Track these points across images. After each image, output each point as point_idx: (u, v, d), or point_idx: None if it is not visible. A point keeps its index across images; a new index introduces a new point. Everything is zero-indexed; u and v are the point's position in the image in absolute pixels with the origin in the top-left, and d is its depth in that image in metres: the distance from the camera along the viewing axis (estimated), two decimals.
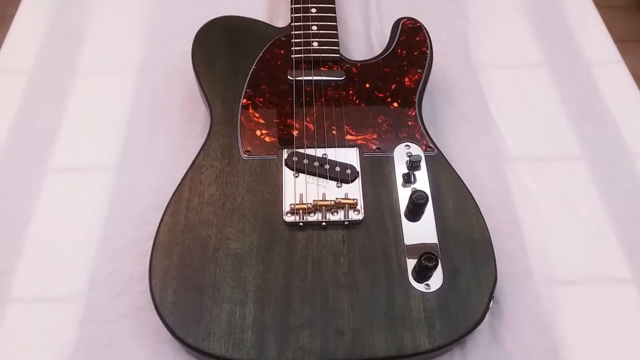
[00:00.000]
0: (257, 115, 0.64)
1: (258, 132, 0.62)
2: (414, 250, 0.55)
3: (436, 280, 0.54)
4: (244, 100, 0.65)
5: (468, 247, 0.55)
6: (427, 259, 0.53)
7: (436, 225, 0.57)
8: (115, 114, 0.73)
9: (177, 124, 0.72)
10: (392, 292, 0.53)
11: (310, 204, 0.56)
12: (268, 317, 0.51)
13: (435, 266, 0.53)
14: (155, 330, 0.55)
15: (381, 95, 0.66)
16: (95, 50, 0.80)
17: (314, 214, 0.56)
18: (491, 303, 0.53)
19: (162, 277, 0.53)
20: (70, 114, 0.73)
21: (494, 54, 0.81)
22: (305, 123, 0.63)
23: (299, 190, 0.58)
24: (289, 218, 0.56)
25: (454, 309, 0.52)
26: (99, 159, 0.69)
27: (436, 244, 0.56)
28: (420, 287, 0.53)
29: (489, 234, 0.57)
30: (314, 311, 0.51)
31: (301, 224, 0.56)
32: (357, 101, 0.65)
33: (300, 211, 0.56)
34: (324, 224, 0.56)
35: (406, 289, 0.53)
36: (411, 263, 0.54)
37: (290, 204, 0.56)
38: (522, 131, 0.72)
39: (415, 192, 0.57)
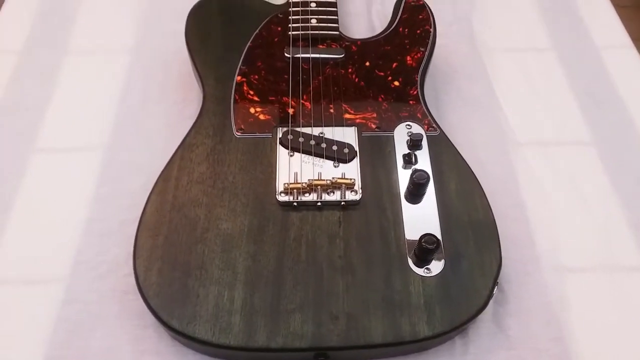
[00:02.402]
0: (251, 92, 0.61)
1: (252, 110, 0.60)
2: (414, 232, 0.52)
3: (437, 264, 0.51)
4: (238, 78, 0.62)
5: (471, 229, 0.53)
6: (427, 241, 0.50)
7: (438, 207, 0.54)
8: (106, 94, 0.70)
9: (170, 104, 0.69)
10: (390, 276, 0.50)
11: (305, 183, 0.54)
12: (258, 301, 0.48)
13: (437, 249, 0.50)
14: (139, 314, 0.52)
15: (382, 73, 0.63)
16: (87, 29, 0.78)
17: (309, 194, 0.54)
18: (495, 289, 0.50)
19: (147, 257, 0.50)
20: (60, 94, 0.71)
21: (500, 37, 0.79)
22: (301, 101, 0.60)
23: (293, 169, 0.55)
24: (283, 198, 0.53)
25: (455, 294, 0.49)
26: (88, 138, 0.67)
27: (438, 226, 0.53)
28: (420, 271, 0.50)
29: (493, 216, 0.54)
30: (307, 295, 0.49)
31: (295, 204, 0.53)
32: (357, 79, 0.63)
33: (295, 191, 0.53)
34: (319, 204, 0.53)
35: (405, 273, 0.50)
36: (411, 246, 0.51)
37: (284, 184, 0.54)
38: (529, 116, 0.70)
39: (416, 171, 0.54)
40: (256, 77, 0.62)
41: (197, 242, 0.51)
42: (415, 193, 0.54)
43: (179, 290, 0.49)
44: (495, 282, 0.50)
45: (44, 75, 0.72)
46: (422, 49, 0.65)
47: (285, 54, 0.64)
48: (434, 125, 0.59)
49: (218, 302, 0.48)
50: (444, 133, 0.59)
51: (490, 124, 0.69)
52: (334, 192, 0.54)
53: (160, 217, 0.53)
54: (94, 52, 0.75)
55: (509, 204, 0.61)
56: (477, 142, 0.66)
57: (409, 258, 0.51)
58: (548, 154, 0.67)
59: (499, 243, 0.52)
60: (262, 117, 0.59)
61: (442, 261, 0.51)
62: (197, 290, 0.49)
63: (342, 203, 0.53)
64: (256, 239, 0.51)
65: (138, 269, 0.50)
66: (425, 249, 0.50)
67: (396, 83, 0.63)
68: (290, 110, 0.60)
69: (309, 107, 0.60)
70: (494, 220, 0.54)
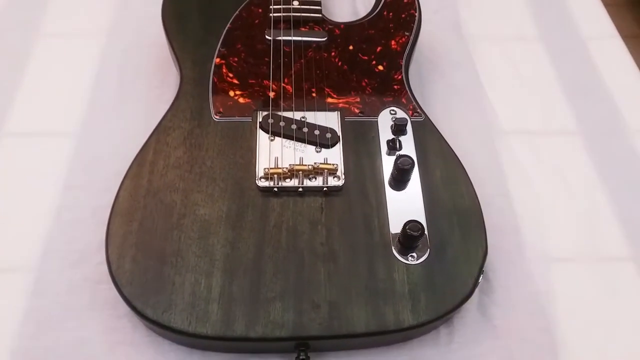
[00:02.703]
0: (230, 75, 0.59)
1: (231, 93, 0.58)
2: (398, 219, 0.50)
3: (421, 251, 0.49)
4: (217, 60, 0.60)
5: (456, 216, 0.51)
6: (412, 228, 0.48)
7: (422, 194, 0.53)
8: (80, 77, 0.68)
9: (147, 89, 0.67)
10: (373, 263, 0.48)
11: (286, 168, 0.52)
12: (237, 289, 0.46)
13: (421, 236, 0.48)
14: (112, 304, 0.50)
15: (365, 57, 0.62)
16: (61, 11, 0.75)
17: (290, 179, 0.52)
18: (481, 278, 0.49)
19: (120, 244, 0.48)
20: (31, 77, 0.68)
21: (486, 25, 0.78)
22: (282, 84, 0.58)
23: (274, 154, 0.53)
24: (263, 183, 0.52)
25: (440, 282, 0.48)
26: (61, 123, 0.64)
27: (422, 213, 0.51)
28: (404, 258, 0.49)
29: (479, 203, 0.52)
30: (287, 283, 0.47)
31: (275, 189, 0.51)
32: (340, 63, 0.61)
33: (275, 176, 0.52)
34: (300, 190, 0.52)
35: (389, 260, 0.49)
36: (395, 233, 0.50)
37: (265, 169, 0.52)
38: (514, 105, 0.69)
39: (400, 157, 0.52)
40: (236, 59, 0.60)
41: (173, 228, 0.49)
42: (400, 179, 0.53)
43: (154, 278, 0.47)
44: (481, 271, 0.49)
45: (15, 57, 0.69)
46: (407, 34, 0.63)
47: (266, 37, 0.62)
48: (419, 110, 0.58)
49: (195, 290, 0.46)
50: (429, 119, 0.58)
51: (475, 113, 0.68)
52: (315, 178, 0.52)
53: (134, 202, 0.50)
54: (68, 34, 0.73)
55: (494, 193, 0.60)
56: (462, 130, 0.65)
57: (392, 245, 0.49)
58: (534, 143, 0.66)
59: (485, 230, 0.51)
60: (241, 100, 0.57)
61: (427, 249, 0.49)
62: (173, 278, 0.47)
63: (325, 189, 0.52)
64: (235, 225, 0.49)
65: (111, 256, 0.48)
66: (409, 236, 0.48)
67: (380, 67, 0.61)
68: (271, 94, 0.58)
69: (291, 90, 0.58)
70: (480, 207, 0.52)
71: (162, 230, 0.49)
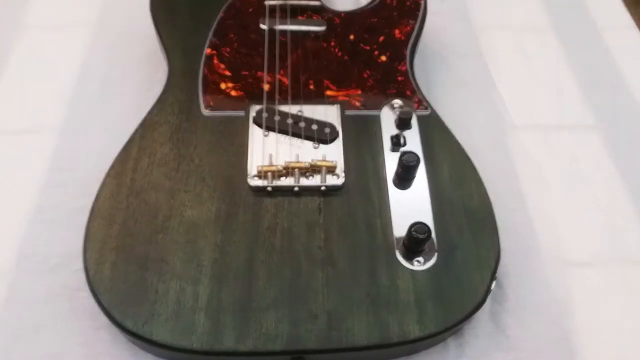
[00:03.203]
0: (222, 66, 0.56)
1: (223, 86, 0.55)
2: (402, 221, 0.47)
3: (428, 256, 0.45)
4: (208, 50, 0.57)
5: (466, 217, 0.47)
6: (418, 231, 0.44)
7: (429, 193, 0.49)
8: (64, 71, 0.64)
9: (135, 84, 0.63)
10: (376, 269, 0.44)
11: (281, 166, 0.49)
12: (226, 297, 0.43)
13: (428, 239, 0.45)
14: (91, 314, 0.46)
15: (367, 47, 0.58)
16: (45, 1, 0.71)
17: (285, 177, 0.48)
18: (493, 284, 0.45)
19: (99, 248, 0.45)
20: (11, 71, 0.65)
21: (495, 15, 0.74)
22: (278, 76, 0.55)
23: (268, 150, 0.50)
24: (255, 182, 0.48)
25: (449, 290, 0.44)
26: (40, 119, 0.60)
27: (429, 214, 0.48)
28: (409, 264, 0.45)
29: (490, 203, 0.48)
30: (282, 290, 0.43)
31: (269, 188, 0.48)
32: (340, 54, 0.58)
33: (269, 174, 0.48)
34: (296, 189, 0.48)
35: (393, 265, 0.45)
36: (399, 236, 0.46)
37: (258, 166, 0.49)
38: (526, 98, 0.65)
39: (405, 153, 0.49)
40: (228, 49, 0.57)
41: (157, 231, 0.45)
42: (404, 177, 0.49)
43: (135, 285, 0.43)
44: (493, 277, 0.45)
45: None
46: (411, 22, 0.60)
47: (261, 26, 0.59)
48: (424, 103, 0.54)
49: (180, 298, 0.42)
50: (435, 112, 0.54)
51: (484, 107, 0.64)
52: (313, 176, 0.49)
53: (115, 202, 0.47)
54: (52, 26, 0.69)
55: (506, 191, 0.56)
56: (470, 125, 0.61)
57: (397, 249, 0.46)
58: (547, 138, 0.62)
59: (497, 233, 0.47)
60: (233, 93, 0.54)
61: (434, 253, 0.46)
62: (156, 285, 0.43)
63: (323, 188, 0.48)
64: (225, 227, 0.46)
65: (88, 261, 0.44)
66: (415, 239, 0.44)
67: (383, 58, 0.57)
68: (266, 86, 0.54)
69: (287, 82, 0.55)
70: (491, 206, 0.48)
71: (146, 234, 0.45)
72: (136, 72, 0.65)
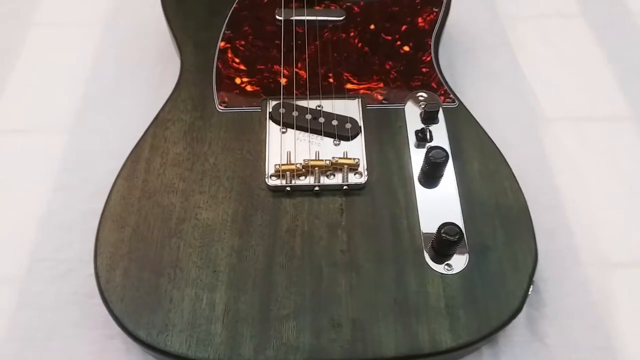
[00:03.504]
0: (237, 60, 0.54)
1: (238, 80, 0.52)
2: (430, 221, 0.44)
3: (460, 259, 0.43)
4: (222, 44, 0.55)
5: (499, 217, 0.44)
6: (448, 232, 0.42)
7: (459, 191, 0.46)
8: (74, 70, 0.63)
9: (146, 82, 0.62)
10: (403, 274, 0.42)
11: (300, 164, 0.46)
12: (244, 305, 0.40)
13: (459, 241, 0.41)
14: (105, 322, 0.44)
15: (389, 37, 0.56)
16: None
17: (305, 176, 0.46)
18: (530, 289, 0.42)
19: (111, 254, 0.42)
20: (22, 69, 0.63)
21: (522, 2, 0.71)
22: (295, 70, 0.53)
23: (286, 148, 0.48)
24: (273, 182, 0.46)
25: (483, 296, 0.41)
26: (52, 119, 0.59)
27: (459, 213, 0.45)
28: (439, 267, 0.42)
29: (524, 199, 0.45)
30: (303, 298, 0.41)
31: (288, 189, 0.45)
32: (360, 45, 0.55)
33: (288, 173, 0.46)
34: (317, 189, 0.45)
35: (421, 270, 0.42)
36: (427, 238, 0.43)
37: (275, 165, 0.46)
38: (558, 89, 0.63)
39: (432, 149, 0.46)
40: (242, 42, 0.55)
41: (171, 235, 0.43)
42: (432, 175, 0.46)
43: (149, 293, 0.41)
44: (530, 281, 0.42)
45: (4, 48, 0.65)
46: (435, 9, 0.57)
47: (277, 17, 0.57)
48: (451, 95, 0.51)
49: (195, 307, 0.40)
50: (463, 105, 0.51)
51: (514, 98, 0.61)
52: (334, 175, 0.46)
53: (127, 205, 0.45)
54: (62, 24, 0.68)
55: (540, 188, 0.53)
56: (499, 118, 0.58)
57: (425, 252, 0.43)
58: (582, 130, 0.59)
59: (534, 232, 0.44)
60: (249, 88, 0.52)
61: (466, 255, 0.43)
62: (171, 293, 0.41)
63: (345, 187, 0.46)
64: (242, 230, 0.44)
65: (100, 267, 0.42)
66: (445, 241, 0.41)
67: (406, 48, 0.55)
68: (283, 80, 0.52)
69: (304, 76, 0.52)
70: (526, 205, 0.45)
71: (159, 238, 0.43)
72: (148, 69, 0.63)
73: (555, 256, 0.48)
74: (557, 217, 0.51)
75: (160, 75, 0.61)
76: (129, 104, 0.59)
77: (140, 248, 0.43)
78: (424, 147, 0.48)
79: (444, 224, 0.42)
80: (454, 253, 0.42)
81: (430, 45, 0.55)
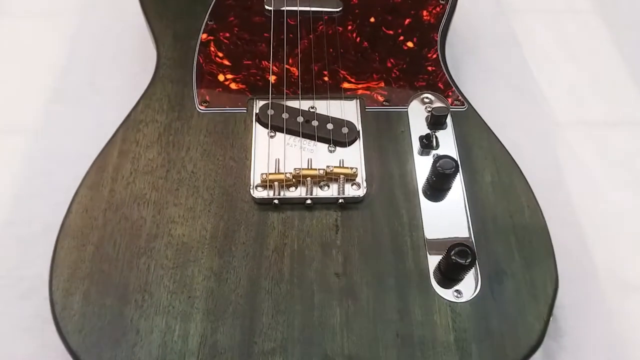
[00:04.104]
0: (220, 54, 0.49)
1: (221, 77, 0.48)
2: (437, 241, 0.39)
3: (470, 284, 0.38)
4: (204, 36, 0.50)
5: (515, 236, 0.40)
6: (459, 254, 0.36)
7: (468, 206, 0.41)
8: (45, 64, 0.58)
9: (123, 77, 0.57)
10: (406, 301, 0.37)
11: (290, 173, 0.42)
12: (223, 338, 0.35)
13: (472, 264, 0.36)
14: (64, 352, 0.38)
15: (391, 32, 0.51)
16: None
17: (295, 188, 0.42)
18: (550, 319, 0.37)
19: (69, 276, 0.37)
20: None
21: None
22: (286, 66, 0.49)
23: (274, 154, 0.43)
24: (259, 193, 0.41)
25: (497, 328, 0.36)
26: (17, 117, 0.54)
27: (469, 231, 0.40)
28: (447, 294, 0.37)
29: (543, 216, 0.41)
30: (291, 329, 0.36)
31: (276, 201, 0.41)
32: (358, 39, 0.51)
33: (276, 184, 0.41)
34: (309, 202, 0.41)
35: (427, 297, 0.37)
36: (434, 260, 0.38)
37: (262, 174, 0.42)
38: (570, 90, 0.59)
39: (439, 158, 0.41)
40: (227, 35, 0.50)
41: (140, 254, 0.38)
42: (439, 187, 0.42)
43: (112, 323, 0.36)
44: (551, 310, 0.37)
45: None
46: (442, 1, 0.53)
47: (266, 6, 0.52)
48: (460, 97, 0.46)
49: (166, 339, 0.35)
50: (473, 108, 0.46)
51: (522, 101, 0.57)
52: (328, 186, 0.42)
53: (90, 219, 0.40)
54: (34, 14, 0.62)
55: (552, 202, 0.47)
56: (506, 122, 0.53)
57: (431, 276, 0.38)
58: (597, 136, 0.55)
59: (554, 255, 0.39)
60: (234, 86, 0.47)
61: (478, 281, 0.38)
62: (137, 323, 0.36)
63: (340, 201, 0.41)
64: (222, 249, 0.39)
65: (55, 292, 0.37)
66: (456, 265, 0.36)
67: (410, 44, 0.50)
68: (272, 78, 0.48)
69: (296, 73, 0.48)
70: (545, 223, 0.40)
71: (126, 257, 0.38)
72: (125, 63, 0.58)
73: (573, 279, 0.44)
74: (573, 234, 0.47)
75: (140, 70, 0.56)
76: (105, 101, 0.55)
77: (103, 269, 0.37)
78: (429, 155, 0.43)
79: (455, 245, 0.37)
80: (464, 278, 0.37)
81: (437, 41, 0.50)
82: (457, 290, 0.37)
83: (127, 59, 0.58)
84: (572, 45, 0.62)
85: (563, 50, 0.61)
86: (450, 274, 0.37)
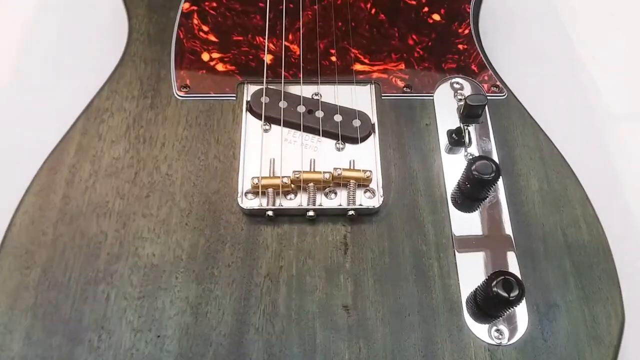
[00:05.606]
0: (205, 28, 0.43)
1: (206, 56, 0.42)
2: (472, 265, 0.33)
3: (514, 322, 0.31)
4: (186, 5, 0.44)
5: (570, 260, 0.33)
6: (505, 286, 0.29)
7: (511, 221, 0.34)
8: (5, 41, 0.51)
9: (94, 57, 0.50)
10: (433, 343, 0.31)
11: (288, 177, 0.36)
12: None
13: (520, 298, 0.29)
14: None
15: (413, 2, 0.45)
16: None
17: (295, 195, 0.36)
18: None
19: (7, 308, 0.31)
20: None
21: None
22: (285, 43, 0.43)
23: (269, 153, 0.37)
24: (250, 202, 0.35)
25: None
26: None
27: (512, 252, 0.33)
28: (484, 334, 0.31)
29: (604, 234, 0.34)
30: None
31: (270, 213, 0.35)
32: (374, 11, 0.45)
33: (270, 190, 0.35)
34: (311, 214, 0.35)
35: (460, 337, 0.31)
36: (467, 289, 0.32)
37: (253, 178, 0.36)
38: (625, 79, 0.53)
39: (476, 160, 0.33)
40: (214, 4, 0.44)
41: (97, 280, 0.32)
42: (474, 196, 0.35)
43: None
44: (616, 354, 0.30)
45: None
46: None
47: None
48: (498, 83, 0.40)
49: None
50: (514, 96, 0.40)
51: (567, 89, 0.51)
52: (336, 194, 0.36)
53: (37, 234, 0.34)
54: None
55: (606, 210, 0.40)
56: (549, 113, 0.47)
57: (465, 309, 0.32)
58: None
59: (619, 284, 0.32)
60: (220, 67, 0.41)
61: (524, 317, 0.31)
62: None
63: (351, 213, 0.35)
64: (202, 274, 0.33)
65: None
66: (499, 299, 0.29)
67: (436, 17, 0.44)
68: (267, 58, 0.42)
69: (297, 52, 0.42)
70: (607, 242, 0.34)
71: (79, 284, 0.32)
72: (96, 40, 0.52)
73: (634, 303, 0.36)
74: (632, 249, 0.40)
75: (113, 47, 0.49)
76: (71, 85, 0.47)
77: (50, 300, 0.32)
78: (460, 152, 0.37)
79: (497, 273, 0.30)
80: (506, 314, 0.30)
81: (469, 13, 0.44)
82: (497, 330, 0.30)
83: (98, 34, 0.52)
84: (626, 24, 0.55)
85: (616, 30, 0.55)
86: (490, 310, 0.30)
